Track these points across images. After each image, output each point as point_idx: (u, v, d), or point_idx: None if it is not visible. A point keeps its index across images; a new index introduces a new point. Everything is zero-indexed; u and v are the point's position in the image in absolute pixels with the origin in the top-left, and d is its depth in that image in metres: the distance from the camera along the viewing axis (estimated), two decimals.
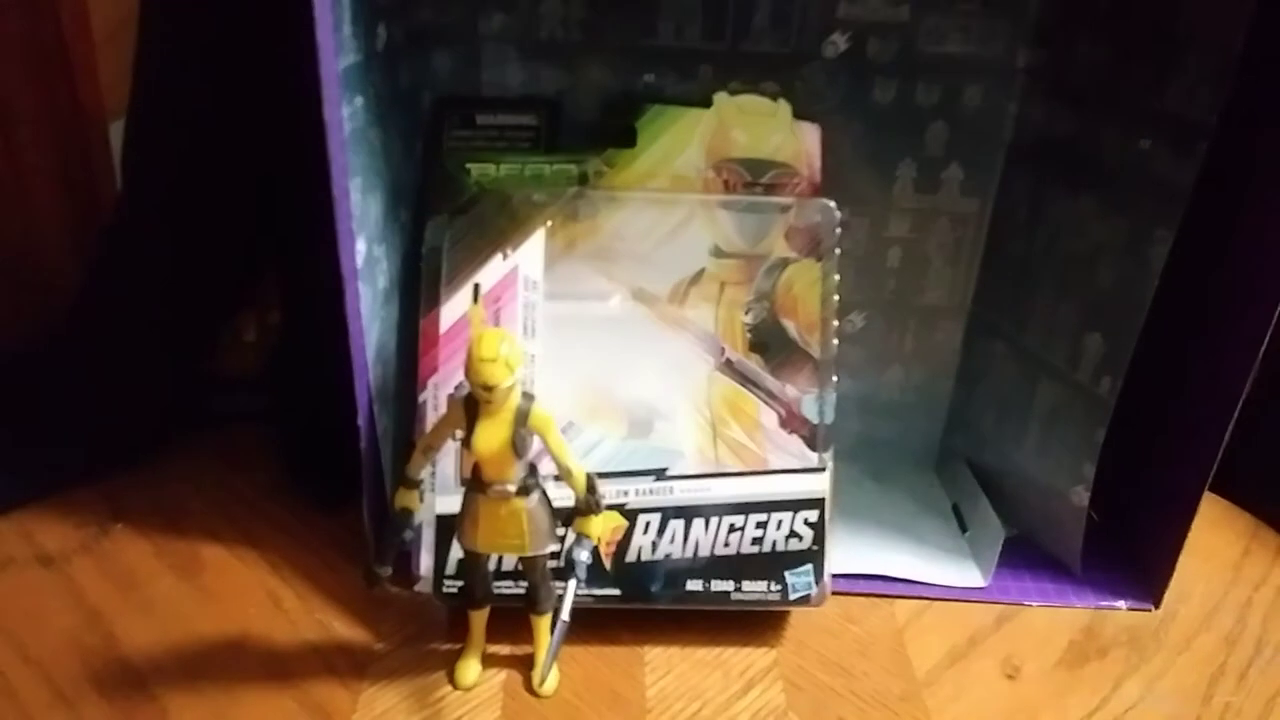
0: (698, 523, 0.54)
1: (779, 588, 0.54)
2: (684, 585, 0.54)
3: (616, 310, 0.55)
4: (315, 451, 0.65)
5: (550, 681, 0.51)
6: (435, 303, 0.54)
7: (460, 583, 0.53)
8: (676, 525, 0.54)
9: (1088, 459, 0.57)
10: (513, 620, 0.53)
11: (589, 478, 0.47)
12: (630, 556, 0.54)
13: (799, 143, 0.58)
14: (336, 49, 0.47)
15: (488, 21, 0.60)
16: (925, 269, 0.66)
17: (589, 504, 0.48)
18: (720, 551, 0.54)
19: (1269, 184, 0.53)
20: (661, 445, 0.54)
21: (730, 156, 0.58)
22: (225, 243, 0.68)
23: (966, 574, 0.61)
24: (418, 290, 0.55)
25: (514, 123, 0.60)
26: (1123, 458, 0.58)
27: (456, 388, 0.53)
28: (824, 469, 0.55)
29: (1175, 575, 0.58)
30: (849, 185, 0.63)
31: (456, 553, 0.51)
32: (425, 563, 0.54)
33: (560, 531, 0.49)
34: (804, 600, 0.54)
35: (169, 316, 0.67)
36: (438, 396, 0.54)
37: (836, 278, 0.56)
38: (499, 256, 0.55)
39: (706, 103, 0.58)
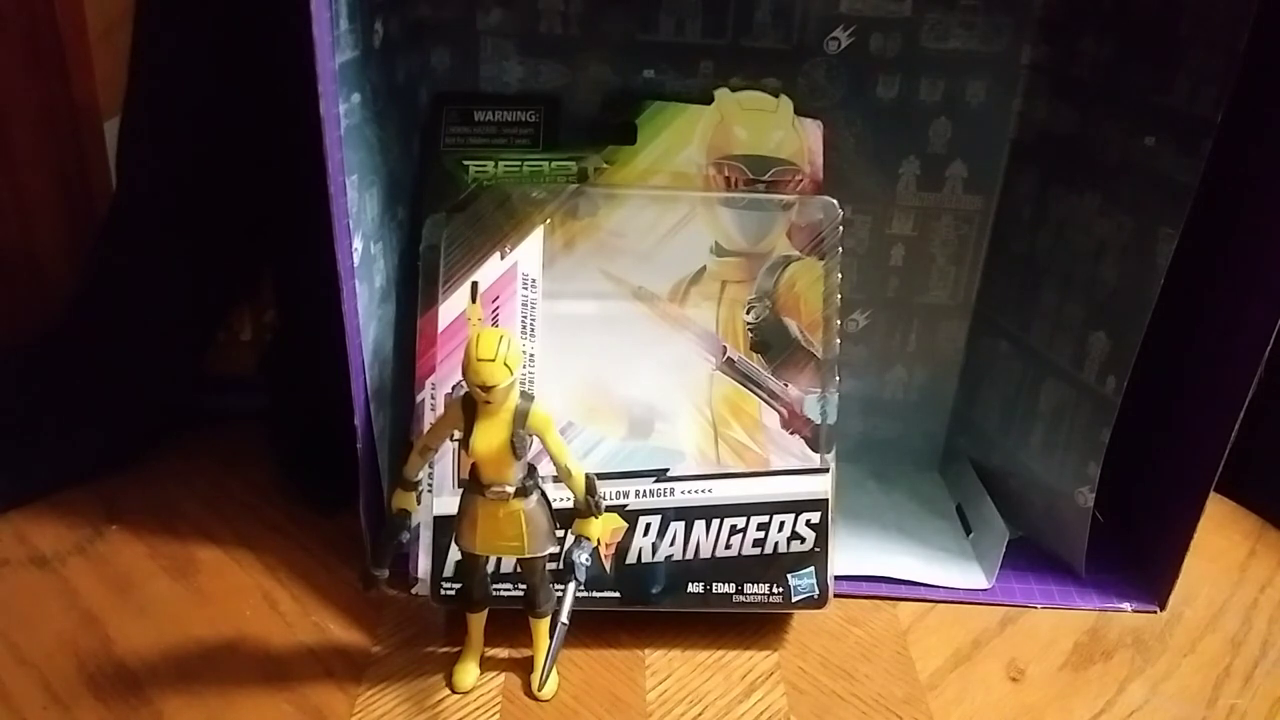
0: (699, 524, 0.53)
1: (781, 590, 0.53)
2: (685, 588, 0.53)
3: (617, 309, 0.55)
4: (311, 452, 0.65)
5: (549, 685, 0.51)
6: (433, 301, 0.54)
7: (458, 585, 0.52)
8: (677, 527, 0.53)
9: (1092, 459, 0.57)
10: (511, 623, 0.52)
11: (588, 479, 0.47)
12: (630, 558, 0.53)
13: (801, 139, 0.57)
14: (333, 45, 0.46)
15: (486, 17, 0.60)
16: (928, 267, 0.66)
17: (588, 505, 0.47)
18: (721, 553, 0.53)
19: (1273, 181, 0.53)
20: (662, 446, 0.54)
21: (731, 153, 0.57)
22: (221, 240, 0.67)
23: (970, 576, 0.60)
24: (415, 289, 0.55)
25: (513, 119, 0.60)
26: (1128, 458, 0.58)
27: (454, 387, 0.53)
28: (826, 470, 0.54)
29: (1181, 577, 0.58)
30: (851, 182, 0.62)
31: (454, 555, 0.51)
32: (423, 565, 0.54)
33: (559, 533, 0.49)
34: (806, 603, 0.54)
35: (164, 315, 0.67)
36: (435, 396, 0.54)
37: (839, 276, 0.55)
38: (497, 255, 0.54)
39: (707, 99, 0.57)
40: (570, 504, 0.48)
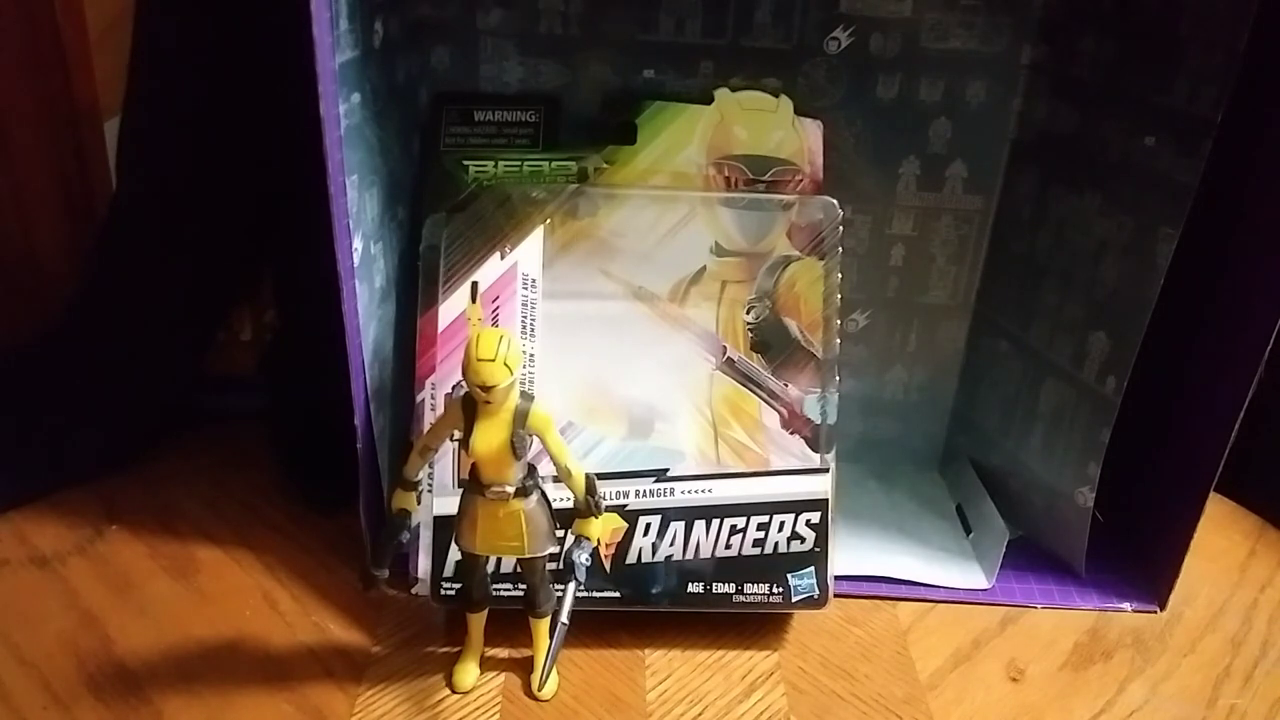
0: (699, 524, 0.53)
1: (781, 590, 0.53)
2: (685, 587, 0.53)
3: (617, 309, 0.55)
4: (311, 452, 0.65)
5: (549, 685, 0.51)
6: (433, 301, 0.54)
7: (458, 585, 0.52)
8: (677, 527, 0.53)
9: (1093, 459, 0.57)
10: (511, 623, 0.52)
11: (588, 479, 0.47)
12: (630, 558, 0.53)
13: (801, 139, 0.57)
14: (333, 45, 0.46)
15: (486, 17, 0.60)
16: (928, 267, 0.66)
17: (588, 505, 0.47)
18: (722, 553, 0.53)
19: (1273, 181, 0.53)
20: (662, 446, 0.54)
21: (731, 153, 0.57)
22: (221, 240, 0.67)
23: (970, 576, 0.60)
24: (415, 289, 0.55)
25: (513, 119, 0.60)
26: (1128, 458, 0.58)
27: (454, 387, 0.53)
28: (826, 470, 0.54)
29: (1181, 577, 0.58)
30: (851, 182, 0.62)
31: (454, 555, 0.51)
32: (423, 565, 0.54)
33: (559, 533, 0.49)
34: (806, 602, 0.54)
35: (164, 315, 0.67)
36: (435, 396, 0.54)
37: (839, 276, 0.55)
38: (497, 255, 0.54)
39: (708, 99, 0.57)
40: (570, 504, 0.48)
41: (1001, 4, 0.59)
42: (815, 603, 0.54)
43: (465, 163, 0.56)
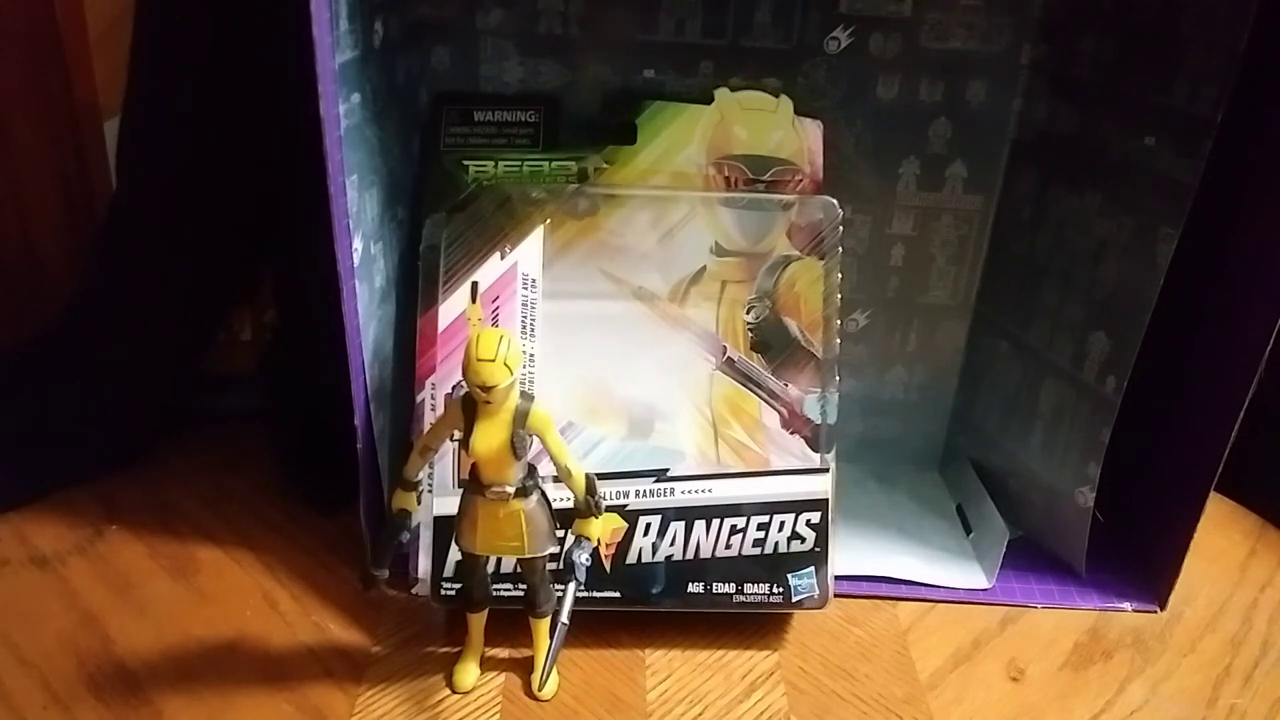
0: (699, 524, 0.53)
1: (781, 590, 0.53)
2: (685, 587, 0.53)
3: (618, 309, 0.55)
4: (312, 452, 0.65)
5: (550, 685, 0.51)
6: (433, 301, 0.54)
7: (458, 585, 0.52)
8: (677, 527, 0.53)
9: (1093, 459, 0.57)
10: (512, 623, 0.52)
11: (588, 479, 0.47)
12: (630, 558, 0.53)
13: (801, 139, 0.57)
14: (333, 45, 0.46)
15: (486, 17, 0.60)
16: (928, 267, 0.66)
17: (588, 505, 0.47)
18: (722, 553, 0.53)
19: (1273, 181, 0.53)
20: (662, 446, 0.54)
21: (731, 153, 0.57)
22: (221, 240, 0.67)
23: (970, 576, 0.60)
24: (415, 289, 0.55)
25: (513, 119, 0.60)
26: (1128, 458, 0.58)
27: (454, 388, 0.53)
28: (826, 470, 0.54)
29: (1181, 577, 0.58)
30: (851, 182, 0.62)
31: (454, 555, 0.51)
32: (423, 565, 0.54)
33: (559, 533, 0.49)
34: (806, 603, 0.54)
35: (164, 315, 0.67)
36: (435, 396, 0.54)
37: (839, 276, 0.55)
38: (497, 255, 0.54)
39: (708, 99, 0.57)
40: (570, 504, 0.48)
41: (1001, 4, 0.59)
42: (815, 603, 0.54)
43: (465, 163, 0.56)
